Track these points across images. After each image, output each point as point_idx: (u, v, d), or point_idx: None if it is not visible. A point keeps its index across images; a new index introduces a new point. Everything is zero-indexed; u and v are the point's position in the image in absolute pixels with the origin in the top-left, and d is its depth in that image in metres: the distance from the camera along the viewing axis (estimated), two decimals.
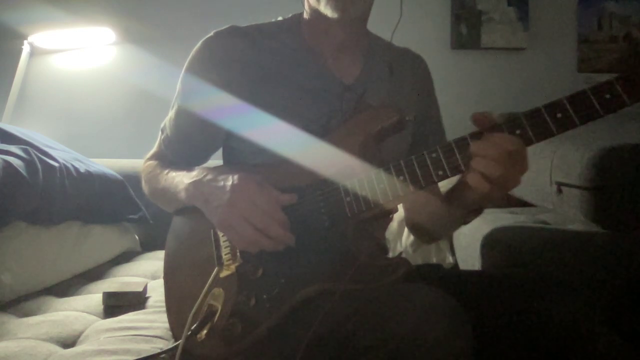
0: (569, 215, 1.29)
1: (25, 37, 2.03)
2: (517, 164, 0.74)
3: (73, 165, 1.46)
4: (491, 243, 1.37)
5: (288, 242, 0.81)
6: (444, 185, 0.92)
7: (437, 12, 2.23)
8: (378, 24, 1.06)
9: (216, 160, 1.05)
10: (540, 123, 0.72)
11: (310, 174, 0.85)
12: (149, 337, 0.98)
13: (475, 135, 0.76)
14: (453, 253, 1.74)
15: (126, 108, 2.14)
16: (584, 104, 0.70)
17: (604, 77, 0.71)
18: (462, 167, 0.76)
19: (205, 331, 0.83)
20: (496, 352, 0.79)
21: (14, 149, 1.30)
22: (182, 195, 0.91)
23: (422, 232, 1.12)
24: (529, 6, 2.21)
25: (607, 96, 0.69)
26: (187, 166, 0.96)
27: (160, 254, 1.46)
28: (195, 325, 0.82)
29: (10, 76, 2.03)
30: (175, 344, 0.82)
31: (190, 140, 1.01)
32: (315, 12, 0.94)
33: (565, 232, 1.30)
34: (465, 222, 0.94)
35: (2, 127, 1.46)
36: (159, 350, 0.90)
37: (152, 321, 1.05)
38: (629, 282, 1.17)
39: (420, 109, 1.05)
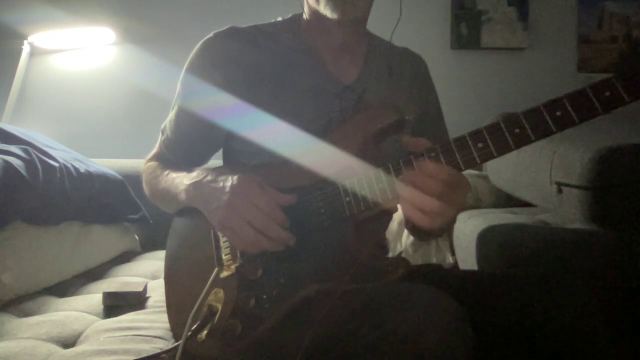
0: (569, 215, 1.29)
1: (25, 37, 2.03)
2: (456, 191, 0.73)
3: (73, 165, 1.46)
4: (491, 243, 1.37)
5: (288, 242, 0.81)
6: None
7: (437, 12, 2.23)
8: (378, 24, 1.06)
9: (216, 160, 1.05)
10: (539, 121, 0.72)
11: (309, 174, 0.85)
12: (149, 337, 0.98)
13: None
14: (453, 253, 1.74)
15: (126, 108, 2.14)
16: (583, 102, 0.70)
17: (604, 77, 0.70)
18: (462, 166, 0.76)
19: (205, 331, 0.83)
20: (496, 352, 0.79)
21: (14, 149, 1.30)
22: (182, 196, 0.91)
23: (420, 231, 1.12)
24: (529, 6, 2.21)
25: (607, 94, 0.69)
26: (188, 167, 0.96)
27: (160, 254, 1.46)
28: (195, 325, 0.82)
29: (10, 76, 2.03)
30: (175, 344, 0.83)
31: (190, 141, 1.01)
32: (315, 13, 0.94)
33: (565, 232, 1.30)
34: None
35: (2, 127, 1.46)
36: (159, 351, 0.90)
37: (152, 321, 1.05)
38: (629, 282, 1.17)
39: (420, 109, 1.05)
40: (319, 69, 0.96)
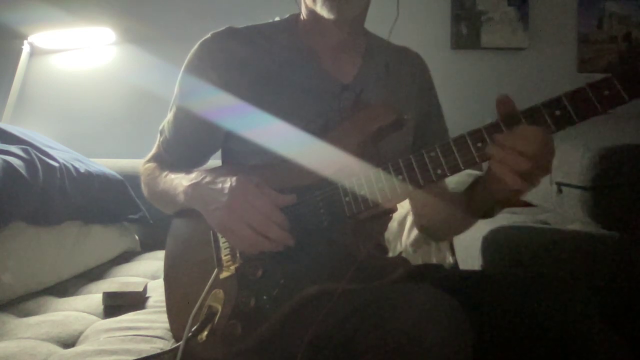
0: (569, 215, 1.29)
1: (25, 37, 2.03)
2: (547, 154, 0.73)
3: (73, 165, 1.46)
4: (491, 243, 1.37)
5: (287, 243, 0.81)
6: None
7: (436, 12, 2.22)
8: (377, 24, 1.06)
9: (216, 160, 1.05)
10: (538, 120, 0.72)
11: (309, 174, 0.85)
12: (149, 337, 0.98)
13: (492, 128, 0.74)
14: (453, 253, 1.74)
15: (126, 108, 2.14)
16: (582, 101, 0.70)
17: (603, 77, 0.70)
18: (461, 166, 0.76)
19: (205, 332, 0.83)
20: (496, 352, 0.79)
21: (14, 149, 1.30)
22: (181, 197, 0.91)
23: (433, 233, 1.12)
24: (529, 6, 2.20)
25: (606, 93, 0.69)
26: (186, 168, 0.96)
27: (160, 254, 1.46)
28: (195, 326, 0.82)
29: (10, 76, 2.03)
30: (176, 345, 0.82)
31: (188, 142, 1.01)
32: (312, 13, 0.94)
33: (565, 232, 1.30)
34: (489, 216, 0.93)
35: (2, 127, 1.46)
36: (159, 351, 0.90)
37: (152, 321, 1.05)
38: (629, 282, 1.17)
39: (420, 108, 1.05)
40: (317, 68, 0.96)
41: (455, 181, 1.89)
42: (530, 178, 0.73)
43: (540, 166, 0.72)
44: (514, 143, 0.71)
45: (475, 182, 0.91)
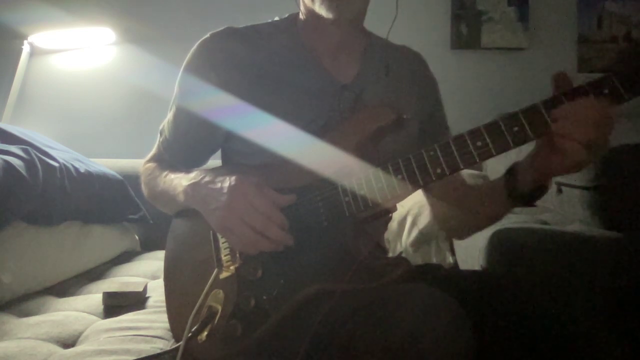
0: (569, 215, 1.29)
1: (25, 37, 2.03)
2: (609, 125, 0.70)
3: (73, 165, 1.46)
4: (491, 243, 1.37)
5: (287, 243, 0.81)
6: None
7: (436, 12, 2.23)
8: (377, 24, 1.06)
9: (216, 160, 1.05)
10: (538, 119, 0.72)
11: (308, 174, 0.85)
12: (149, 337, 0.98)
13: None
14: (453, 253, 1.74)
15: (126, 108, 2.14)
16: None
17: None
18: (461, 165, 0.76)
19: (205, 333, 0.83)
20: (496, 352, 0.79)
21: (14, 149, 1.30)
22: (181, 197, 0.91)
23: (456, 231, 1.11)
24: (529, 6, 2.21)
25: (605, 91, 0.69)
26: (186, 168, 0.96)
27: (160, 254, 1.46)
28: (195, 326, 0.82)
29: (10, 76, 2.03)
30: (176, 346, 0.83)
31: (188, 141, 1.01)
32: (311, 13, 0.94)
33: (565, 232, 1.30)
34: (529, 204, 0.88)
35: (2, 127, 1.46)
36: (159, 351, 0.90)
37: (152, 321, 1.05)
38: (629, 282, 1.17)
39: (423, 107, 1.04)
40: (317, 68, 0.96)
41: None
42: (594, 150, 0.69)
43: (604, 135, 0.69)
44: (575, 113, 0.69)
45: (515, 167, 0.86)
